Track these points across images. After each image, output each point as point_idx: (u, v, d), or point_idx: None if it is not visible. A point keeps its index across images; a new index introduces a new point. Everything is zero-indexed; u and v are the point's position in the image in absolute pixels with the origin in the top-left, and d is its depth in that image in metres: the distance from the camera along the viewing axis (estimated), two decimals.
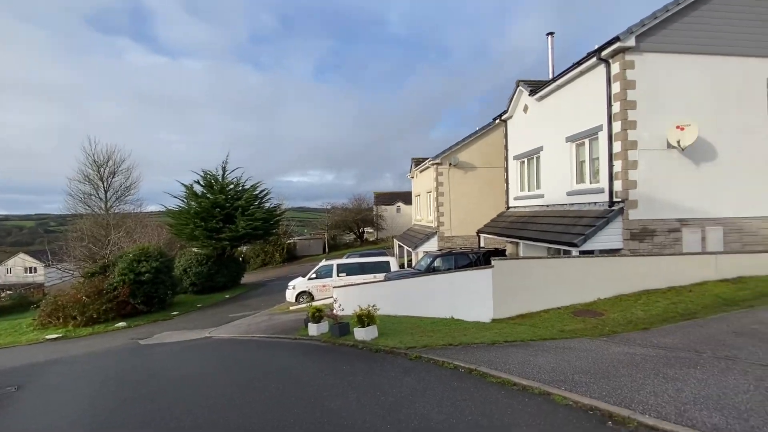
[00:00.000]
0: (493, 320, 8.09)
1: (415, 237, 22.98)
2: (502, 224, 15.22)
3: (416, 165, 25.37)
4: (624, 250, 9.34)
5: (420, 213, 26.55)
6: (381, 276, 15.81)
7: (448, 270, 12.89)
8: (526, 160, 14.79)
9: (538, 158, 13.75)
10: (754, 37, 9.64)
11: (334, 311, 9.63)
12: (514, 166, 15.71)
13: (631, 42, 9.19)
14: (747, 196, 9.62)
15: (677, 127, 9.03)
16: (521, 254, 13.10)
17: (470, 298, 8.91)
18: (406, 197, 46.70)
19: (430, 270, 13.98)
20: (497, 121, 17.07)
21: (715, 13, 9.53)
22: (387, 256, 20.31)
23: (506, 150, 16.35)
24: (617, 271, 8.41)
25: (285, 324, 12.85)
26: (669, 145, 9.31)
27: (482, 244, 16.54)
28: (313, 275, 18.13)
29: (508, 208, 16.25)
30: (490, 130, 19.56)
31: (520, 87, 14.55)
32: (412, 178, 28.58)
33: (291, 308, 16.66)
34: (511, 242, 14.42)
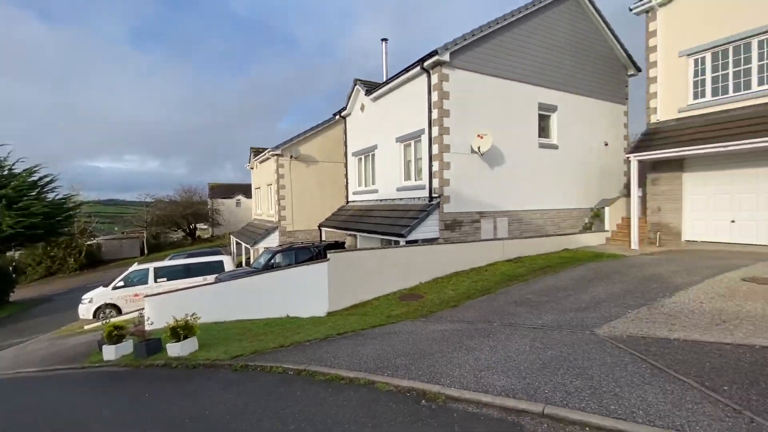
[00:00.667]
0: (329, 313, 8.04)
1: (255, 233, 21.39)
2: (342, 218, 15.56)
3: (255, 155, 23.62)
4: (440, 239, 10.74)
5: (260, 207, 24.90)
6: (213, 278, 13.99)
7: (289, 266, 12.36)
8: (363, 157, 15.47)
9: (373, 156, 14.55)
10: (530, 69, 12.46)
11: (141, 326, 7.84)
12: (353, 162, 16.25)
13: (446, 57, 10.54)
14: (524, 193, 12.42)
15: (478, 135, 10.89)
16: (359, 246, 13.63)
17: (307, 293, 8.64)
18: (248, 190, 43.30)
19: (269, 267, 13.12)
20: (337, 117, 17.34)
21: (504, 45, 11.87)
22: (221, 255, 18.20)
23: (345, 146, 16.77)
24: (434, 257, 9.55)
25: (72, 350, 9.89)
26: (472, 150, 11.15)
27: (324, 238, 16.57)
28: (120, 283, 14.71)
29: (348, 202, 16.75)
30: (331, 125, 19.75)
31: (357, 86, 15.07)
32: (252, 169, 26.55)
33: (86, 327, 13.04)
34: (350, 235, 14.87)
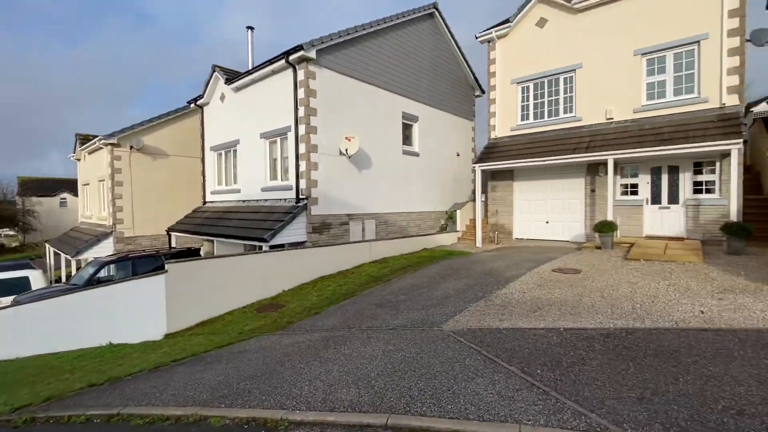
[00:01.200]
0: (167, 336, 6.74)
1: (80, 239, 17.14)
2: (198, 220, 13.66)
3: (82, 144, 19.01)
4: (307, 242, 10.30)
5: (89, 207, 20.19)
6: (9, 300, 10.55)
7: (121, 280, 10.10)
8: (223, 152, 13.91)
9: (235, 151, 13.20)
10: (396, 79, 13.06)
11: None
12: (211, 157, 14.46)
13: (312, 54, 10.18)
14: (390, 196, 12.93)
15: (346, 137, 10.86)
16: (216, 252, 12.12)
17: (139, 313, 7.11)
18: (76, 186, 34.74)
19: (94, 283, 10.52)
20: (192, 105, 15.22)
21: (372, 52, 12.17)
22: (31, 269, 13.95)
23: (203, 139, 14.84)
24: (300, 262, 9.07)
25: None
26: (341, 153, 11.07)
27: (174, 244, 14.27)
28: None
29: (205, 203, 14.83)
30: (186, 114, 17.25)
31: (216, 73, 13.48)
32: (79, 160, 21.37)
33: None
34: (207, 240, 13.14)
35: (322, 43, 10.44)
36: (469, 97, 16.96)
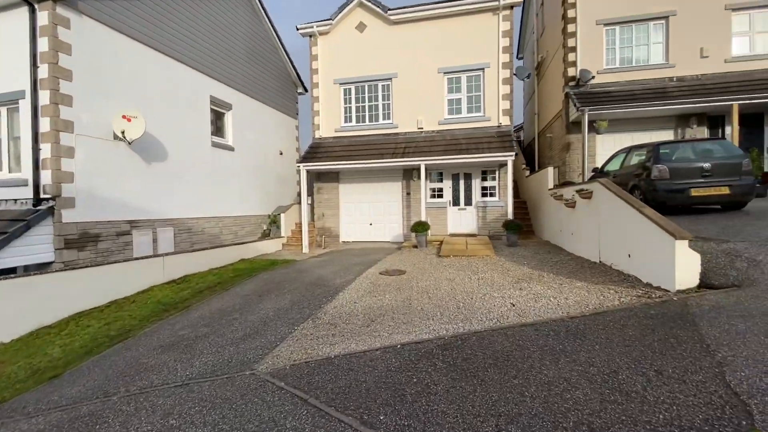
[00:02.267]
0: None
1: None
2: None
3: None
4: (56, 263, 7.06)
5: None
6: None
7: None
8: None
9: None
10: (203, 57, 10.67)
11: None
12: None
13: None
14: (196, 197, 10.48)
15: (124, 116, 8.05)
16: None
17: None
18: None
19: None
20: None
21: (172, 14, 9.54)
22: None
23: None
24: (38, 295, 6.02)
25: None
26: (116, 136, 8.15)
27: None
28: None
29: None
30: None
31: None
32: None
33: None
34: None
35: None
36: (292, 93, 15.91)
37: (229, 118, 11.96)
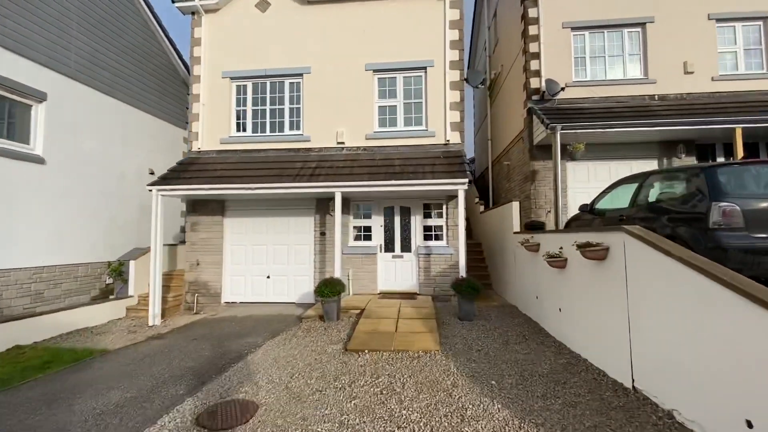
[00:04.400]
0: None
1: None
2: None
3: None
4: None
5: None
6: None
7: None
8: None
9: None
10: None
11: None
12: None
13: None
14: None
15: None
16: None
17: None
18: None
19: None
20: None
21: None
22: None
23: None
24: None
25: None
26: None
27: None
28: None
29: None
30: None
31: None
32: None
33: None
34: None
35: None
36: (179, 95, 12.02)
37: (39, 115, 7.75)
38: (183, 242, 9.53)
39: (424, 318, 6.16)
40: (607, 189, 6.03)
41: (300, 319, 6.95)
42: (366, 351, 4.82)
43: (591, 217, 6.04)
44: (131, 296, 8.44)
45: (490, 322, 6.18)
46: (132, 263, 8.49)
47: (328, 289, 6.47)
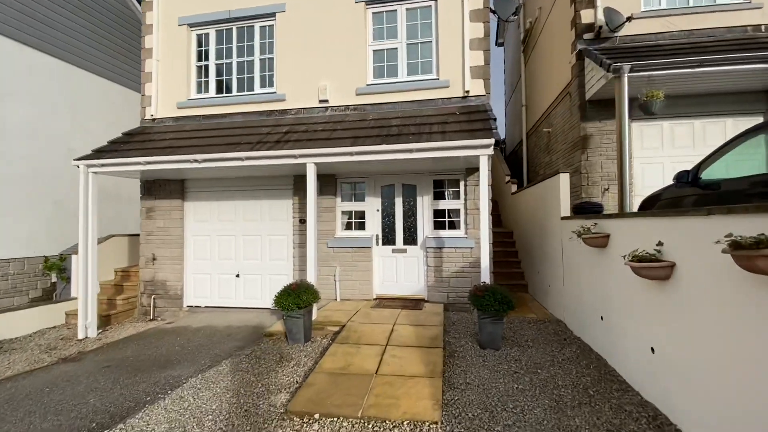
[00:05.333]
0: None
1: None
2: None
3: None
4: None
5: None
6: None
7: None
8: None
9: None
10: None
11: None
12: None
13: None
14: None
15: None
16: None
17: None
18: None
19: None
20: None
21: None
22: None
23: None
24: None
25: None
26: None
27: None
28: None
29: None
30: None
31: None
32: None
33: None
34: None
35: None
36: (136, 51, 10.24)
37: None
38: (133, 235, 7.88)
39: (427, 345, 4.14)
40: (722, 146, 3.70)
41: (262, 337, 5.11)
42: (317, 416, 2.87)
43: (693, 192, 3.78)
44: (74, 298, 6.90)
45: (527, 353, 4.08)
46: (75, 258, 6.92)
47: (291, 299, 4.55)
